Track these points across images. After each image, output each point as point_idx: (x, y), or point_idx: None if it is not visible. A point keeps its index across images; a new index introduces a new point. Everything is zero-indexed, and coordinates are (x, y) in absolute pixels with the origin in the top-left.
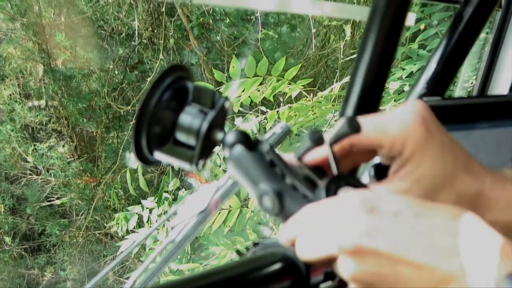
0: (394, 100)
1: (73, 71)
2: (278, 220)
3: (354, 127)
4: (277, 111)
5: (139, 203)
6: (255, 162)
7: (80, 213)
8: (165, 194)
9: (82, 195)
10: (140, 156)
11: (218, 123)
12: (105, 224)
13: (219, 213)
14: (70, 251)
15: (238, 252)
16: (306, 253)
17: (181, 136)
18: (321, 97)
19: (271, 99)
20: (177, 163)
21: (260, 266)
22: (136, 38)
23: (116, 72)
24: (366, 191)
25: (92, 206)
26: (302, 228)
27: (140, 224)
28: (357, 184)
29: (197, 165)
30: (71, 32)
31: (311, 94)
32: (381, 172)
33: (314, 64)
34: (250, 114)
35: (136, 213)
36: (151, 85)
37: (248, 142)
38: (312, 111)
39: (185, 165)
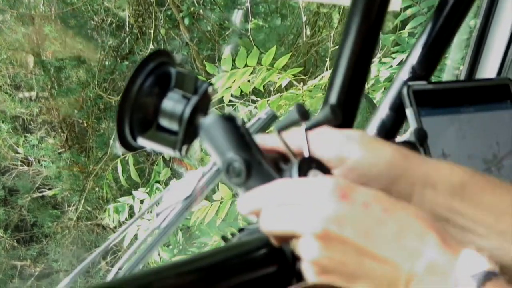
0: (385, 88)
1: (64, 62)
2: (241, 191)
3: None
4: (268, 101)
5: (131, 193)
6: (227, 130)
7: (72, 204)
8: (156, 185)
9: (74, 186)
10: (124, 142)
11: (201, 108)
12: (97, 215)
13: (212, 204)
14: (62, 242)
15: (223, 238)
16: (270, 225)
17: (164, 122)
18: (312, 86)
19: (261, 88)
20: (160, 148)
21: (245, 252)
22: (127, 28)
23: (107, 63)
24: (339, 178)
25: (84, 197)
26: (270, 199)
27: (131, 215)
28: (326, 170)
29: (181, 151)
30: (61, 23)
31: (301, 83)
32: None
33: (304, 52)
34: (240, 103)
35: (127, 204)
36: (133, 70)
37: (225, 115)
38: (303, 100)
39: (169, 151)
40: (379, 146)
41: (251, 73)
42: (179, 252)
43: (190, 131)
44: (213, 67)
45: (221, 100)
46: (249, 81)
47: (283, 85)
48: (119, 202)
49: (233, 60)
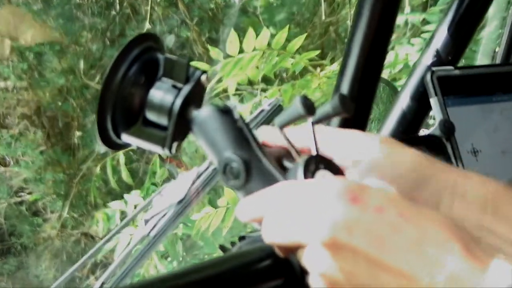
0: None
1: (44, 46)
2: (240, 195)
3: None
4: (279, 89)
5: (123, 197)
6: (224, 125)
7: (55, 210)
8: (153, 187)
9: (57, 189)
10: (105, 139)
11: (194, 99)
12: (84, 223)
13: (216, 211)
14: (44, 254)
15: (222, 247)
16: (272, 234)
17: (151, 115)
18: (330, 71)
19: (272, 75)
20: (147, 146)
21: (247, 263)
22: (117, 7)
23: (94, 47)
24: (349, 179)
25: (69, 202)
26: (273, 204)
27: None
28: (336, 170)
29: (170, 148)
30: (41, 1)
31: (318, 69)
32: None
33: (321, 33)
34: (248, 93)
35: (119, 210)
36: (115, 57)
37: (220, 107)
38: (320, 88)
39: (157, 148)
40: (401, 147)
41: (261, 57)
42: (179, 264)
43: (181, 125)
44: (218, 51)
45: (225, 89)
46: (257, 67)
47: (297, 72)
48: (109, 207)
49: (240, 43)
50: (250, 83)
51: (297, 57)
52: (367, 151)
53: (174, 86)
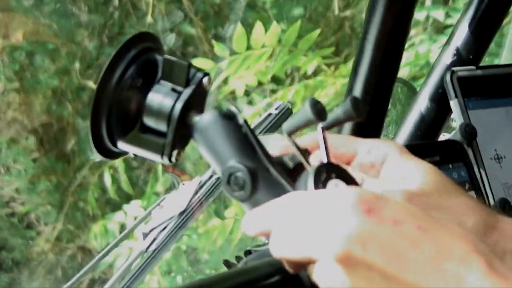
0: None
1: (37, 45)
2: (246, 207)
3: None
4: (290, 90)
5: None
6: (228, 132)
7: (50, 222)
8: (155, 197)
9: (51, 199)
10: (100, 147)
11: (195, 104)
12: (81, 236)
13: (224, 223)
14: (38, 270)
15: (226, 262)
16: (281, 248)
17: (149, 121)
18: (346, 70)
19: (282, 75)
20: (145, 154)
21: (253, 280)
22: (116, 2)
23: (92, 45)
24: (364, 189)
25: (64, 213)
26: (281, 217)
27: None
28: (349, 180)
29: (170, 156)
30: None
31: (333, 68)
32: None
33: (336, 29)
34: (257, 94)
35: (118, 222)
36: (110, 58)
37: (223, 111)
38: (335, 88)
39: (155, 157)
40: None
41: (270, 56)
42: (184, 280)
43: (182, 132)
44: (223, 47)
45: (232, 91)
46: (267, 67)
47: (309, 71)
48: (108, 219)
49: (247, 39)
50: (259, 83)
51: (310, 55)
52: (385, 154)
53: (173, 90)
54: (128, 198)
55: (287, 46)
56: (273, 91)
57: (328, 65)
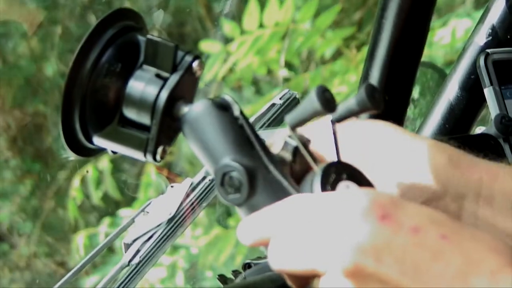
0: None
1: (10, 26)
2: (242, 212)
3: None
4: (305, 78)
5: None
6: (221, 125)
7: (25, 233)
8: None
9: (27, 206)
10: (73, 143)
11: (183, 92)
12: (61, 249)
13: (227, 233)
14: None
15: (221, 277)
16: (282, 260)
17: (130, 113)
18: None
19: (295, 61)
20: (126, 151)
21: None
22: None
23: (72, 26)
24: (379, 192)
25: (41, 223)
26: (282, 224)
27: (111, 248)
28: (362, 181)
29: (155, 154)
30: None
31: (354, 50)
32: None
33: (359, 5)
34: (267, 82)
35: (105, 233)
36: (84, 40)
37: (216, 101)
38: (357, 75)
39: (138, 154)
40: (413, 143)
41: (283, 37)
42: None
43: (168, 125)
44: (234, 25)
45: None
46: (278, 51)
47: (327, 55)
48: (92, 228)
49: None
50: (269, 70)
51: (329, 36)
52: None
53: (158, 76)
54: (118, 205)
55: (302, 24)
56: (286, 80)
57: (350, 48)
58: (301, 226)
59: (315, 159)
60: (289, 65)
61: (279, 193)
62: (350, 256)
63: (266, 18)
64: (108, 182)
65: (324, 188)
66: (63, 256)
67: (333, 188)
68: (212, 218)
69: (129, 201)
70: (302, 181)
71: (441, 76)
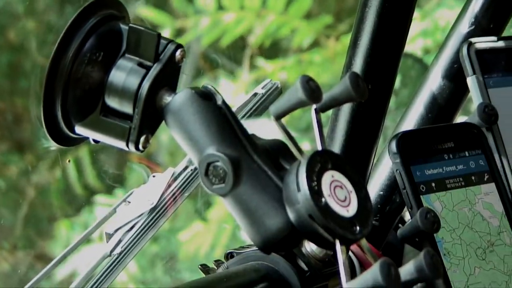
0: None
1: None
2: (227, 203)
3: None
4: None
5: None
6: (205, 114)
7: (3, 226)
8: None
9: (5, 198)
10: (54, 132)
11: (166, 81)
12: (42, 241)
13: (207, 226)
14: None
15: (203, 267)
16: None
17: (112, 102)
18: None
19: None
20: (108, 140)
21: (236, 286)
22: None
23: (53, 10)
24: None
25: (21, 215)
26: None
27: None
28: (348, 170)
29: (137, 143)
30: None
31: (333, 39)
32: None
33: None
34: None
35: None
36: (65, 29)
37: (199, 90)
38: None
39: (120, 143)
40: None
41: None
42: None
43: (151, 114)
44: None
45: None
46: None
47: (305, 44)
48: (73, 219)
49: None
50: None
51: (303, 25)
52: None
53: (140, 65)
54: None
55: (274, 11)
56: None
57: (328, 36)
58: None
59: (299, 149)
60: (265, 54)
61: (265, 183)
62: None
63: (228, 1)
64: (88, 170)
65: (309, 177)
66: (43, 247)
67: (318, 177)
68: (192, 210)
69: (110, 190)
70: (287, 171)
71: (423, 66)
